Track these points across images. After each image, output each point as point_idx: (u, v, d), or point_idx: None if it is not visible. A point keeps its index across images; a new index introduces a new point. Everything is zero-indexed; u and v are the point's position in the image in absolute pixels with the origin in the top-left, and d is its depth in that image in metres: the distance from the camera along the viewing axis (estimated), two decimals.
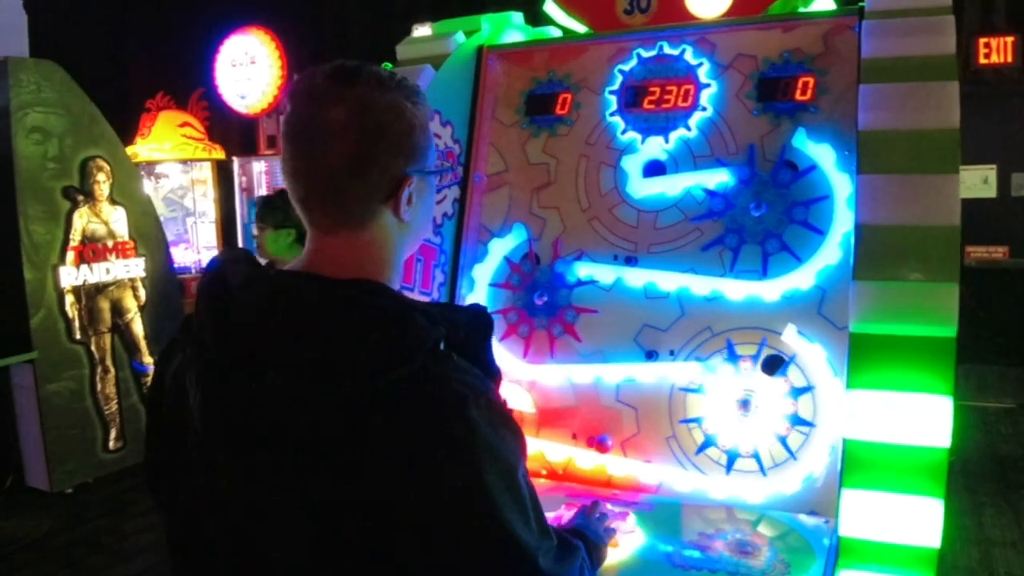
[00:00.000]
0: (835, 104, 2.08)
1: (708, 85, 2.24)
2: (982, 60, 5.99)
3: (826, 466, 1.91)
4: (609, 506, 1.96)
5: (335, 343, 0.88)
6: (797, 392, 1.98)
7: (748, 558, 1.73)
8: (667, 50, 2.30)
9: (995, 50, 6.00)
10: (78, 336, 4.73)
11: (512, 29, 2.60)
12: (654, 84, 2.30)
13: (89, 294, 4.80)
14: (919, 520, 1.59)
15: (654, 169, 2.26)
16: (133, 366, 5.05)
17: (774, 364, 2.01)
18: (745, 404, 2.02)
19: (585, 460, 2.17)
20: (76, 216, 4.71)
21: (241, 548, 0.93)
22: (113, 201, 4.92)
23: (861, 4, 2.05)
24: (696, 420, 2.07)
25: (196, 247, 7.99)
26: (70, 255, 4.67)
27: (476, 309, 1.05)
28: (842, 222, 1.99)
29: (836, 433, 1.86)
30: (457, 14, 2.60)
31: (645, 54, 2.32)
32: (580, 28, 2.56)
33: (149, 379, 4.93)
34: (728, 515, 1.94)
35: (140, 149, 7.77)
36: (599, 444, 2.14)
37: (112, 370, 4.94)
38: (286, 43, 7.68)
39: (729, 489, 2.01)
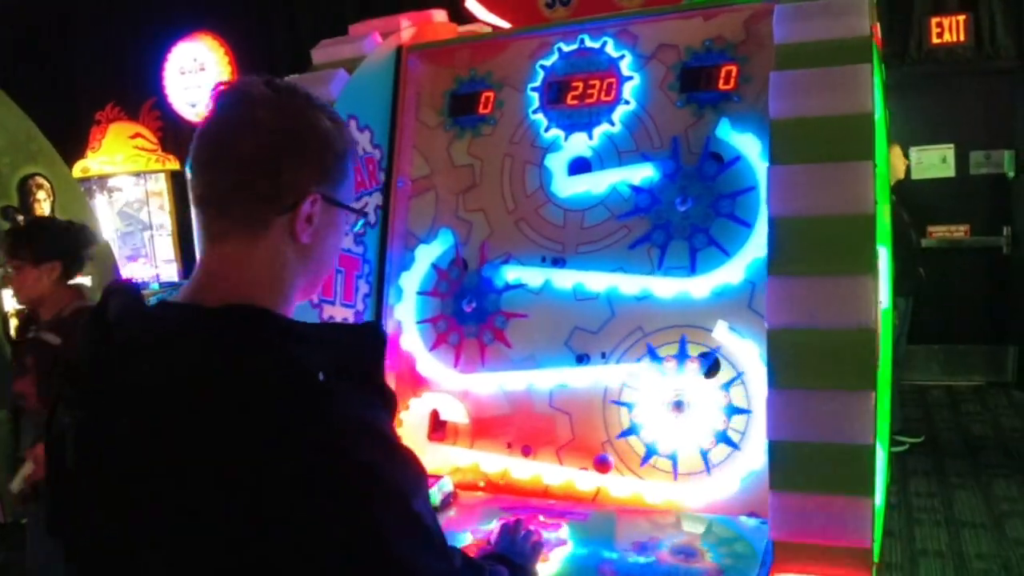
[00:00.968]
0: (759, 92, 2.02)
1: (631, 78, 2.18)
2: (935, 40, 5.97)
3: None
4: (541, 518, 1.90)
5: (201, 381, 0.83)
6: (727, 384, 1.93)
7: (684, 564, 1.69)
8: (588, 43, 2.23)
9: (947, 29, 5.98)
10: None
11: (435, 27, 2.51)
12: (576, 79, 2.23)
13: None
14: (847, 519, 1.54)
15: (579, 167, 2.19)
16: None
17: (714, 367, 1.96)
18: (679, 405, 1.97)
19: (521, 470, 2.11)
20: None
21: None
22: None
23: None
24: (632, 430, 2.02)
25: (154, 261, 7.82)
26: None
27: (366, 328, 1.01)
28: None
29: None
30: None
31: (566, 48, 2.25)
32: (504, 24, 2.48)
33: None
34: (665, 521, 1.90)
35: (91, 163, 7.60)
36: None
37: None
38: (236, 49, 7.53)
39: (668, 493, 1.96)
